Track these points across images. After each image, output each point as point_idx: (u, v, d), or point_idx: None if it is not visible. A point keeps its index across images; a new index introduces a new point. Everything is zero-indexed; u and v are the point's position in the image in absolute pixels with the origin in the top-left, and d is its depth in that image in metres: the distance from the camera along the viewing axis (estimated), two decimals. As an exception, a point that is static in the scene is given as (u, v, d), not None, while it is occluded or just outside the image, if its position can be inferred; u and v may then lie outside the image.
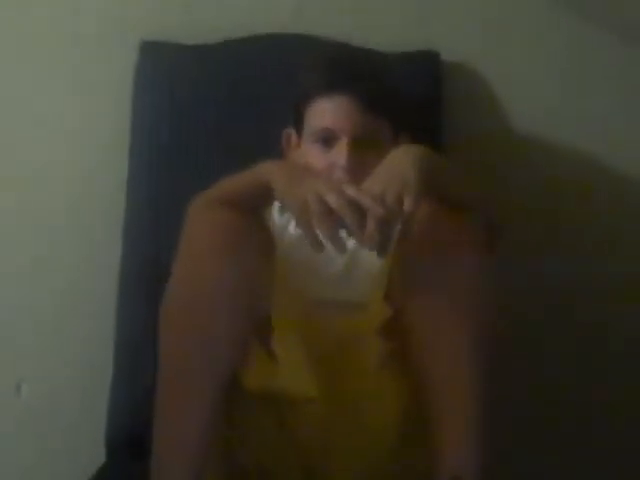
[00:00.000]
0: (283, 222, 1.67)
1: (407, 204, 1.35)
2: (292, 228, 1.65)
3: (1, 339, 1.93)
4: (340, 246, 1.34)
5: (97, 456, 1.72)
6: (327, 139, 1.63)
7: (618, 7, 1.95)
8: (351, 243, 1.41)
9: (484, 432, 1.42)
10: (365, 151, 1.61)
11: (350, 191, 1.36)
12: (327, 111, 1.63)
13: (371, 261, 1.57)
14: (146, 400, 1.46)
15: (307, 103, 1.66)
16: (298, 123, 1.69)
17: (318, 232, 1.36)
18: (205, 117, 1.81)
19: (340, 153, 1.60)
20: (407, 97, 1.76)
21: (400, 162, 1.44)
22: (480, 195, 1.58)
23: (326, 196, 1.35)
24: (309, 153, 1.65)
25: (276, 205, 1.63)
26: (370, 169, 1.50)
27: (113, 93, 1.89)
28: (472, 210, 1.52)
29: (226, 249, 1.44)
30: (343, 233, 1.35)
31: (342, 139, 1.61)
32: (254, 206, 1.50)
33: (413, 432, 1.51)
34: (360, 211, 1.34)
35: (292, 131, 1.72)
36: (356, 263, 1.62)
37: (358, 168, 1.58)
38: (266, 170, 1.51)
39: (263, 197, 1.49)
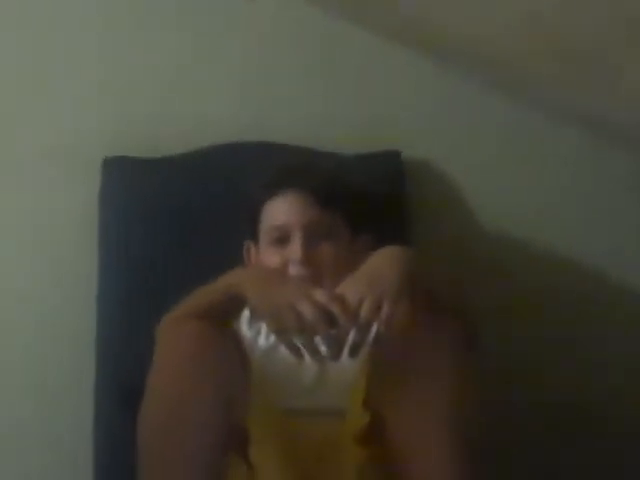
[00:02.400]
0: (253, 334, 1.67)
1: (385, 309, 1.36)
2: (262, 339, 1.65)
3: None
4: (316, 354, 1.37)
5: None
6: (281, 238, 1.65)
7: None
8: (323, 350, 1.41)
9: None
10: (320, 243, 1.64)
11: (322, 298, 1.38)
12: (276, 210, 1.67)
13: (344, 368, 1.56)
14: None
15: (258, 209, 1.70)
16: (254, 231, 1.71)
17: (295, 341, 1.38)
18: (171, 228, 1.83)
19: (294, 248, 1.63)
20: (364, 195, 1.78)
21: (380, 265, 1.45)
22: (462, 293, 1.59)
23: (298, 306, 1.36)
24: (266, 256, 1.67)
25: (245, 317, 1.63)
26: (327, 261, 1.59)
27: (79, 210, 1.90)
28: (453, 310, 1.52)
29: (199, 361, 1.44)
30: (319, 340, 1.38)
31: (294, 234, 1.63)
32: (225, 316, 1.51)
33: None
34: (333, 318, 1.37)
35: (250, 243, 1.73)
36: (329, 371, 1.61)
37: (314, 260, 1.62)
38: (236, 278, 1.51)
39: (235, 306, 1.49)
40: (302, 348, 1.38)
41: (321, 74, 1.99)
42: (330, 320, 1.37)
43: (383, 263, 1.45)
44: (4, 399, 1.90)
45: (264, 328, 1.66)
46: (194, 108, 1.96)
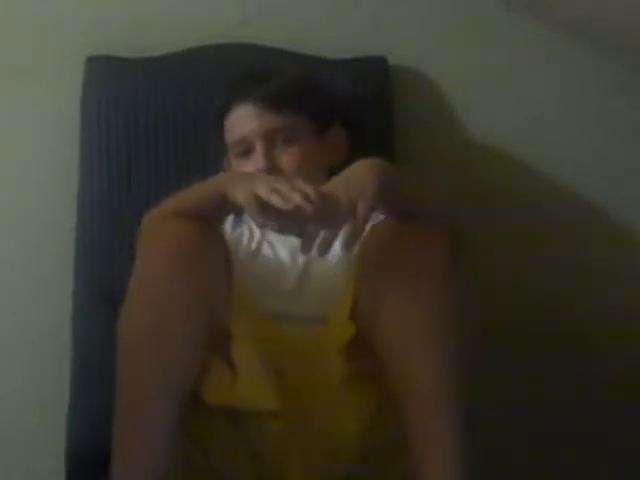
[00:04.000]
0: (236, 236, 1.67)
1: (360, 209, 1.36)
2: (245, 241, 1.65)
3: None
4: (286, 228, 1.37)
5: (57, 473, 1.69)
6: (245, 150, 1.68)
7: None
8: (302, 257, 1.43)
9: (465, 458, 1.40)
10: (284, 149, 1.66)
11: (301, 184, 1.38)
12: (235, 123, 1.69)
13: (324, 275, 1.58)
14: (104, 417, 1.44)
15: (221, 125, 1.71)
16: (223, 146, 1.72)
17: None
18: (154, 130, 1.82)
19: (257, 158, 1.65)
20: (331, 95, 1.77)
21: (358, 172, 1.46)
22: (442, 202, 1.59)
23: (277, 185, 1.37)
24: (236, 169, 1.69)
25: (229, 219, 1.62)
26: (293, 165, 1.63)
27: (61, 109, 1.88)
28: (434, 218, 1.52)
29: (181, 263, 1.43)
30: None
31: (256, 144, 1.66)
32: (210, 217, 1.50)
33: (374, 454, 1.49)
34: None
35: (226, 157, 1.74)
36: (309, 277, 1.61)
37: (279, 166, 1.64)
38: (221, 179, 1.52)
39: (219, 206, 1.48)
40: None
41: None
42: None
43: (359, 170, 1.46)
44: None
45: (247, 230, 1.67)
46: (180, 8, 1.93)
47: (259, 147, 1.66)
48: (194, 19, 1.92)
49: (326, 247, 1.37)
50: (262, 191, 1.36)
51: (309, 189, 1.37)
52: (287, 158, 1.66)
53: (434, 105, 1.96)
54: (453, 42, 1.97)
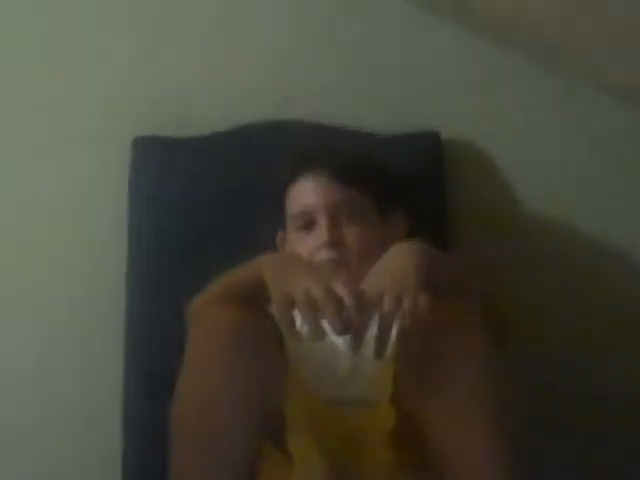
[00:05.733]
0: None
1: (406, 304, 1.33)
2: (299, 326, 1.60)
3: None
4: (319, 333, 1.33)
5: None
6: (307, 223, 1.63)
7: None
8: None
9: None
10: (347, 225, 1.61)
11: (338, 289, 1.35)
12: (299, 194, 1.64)
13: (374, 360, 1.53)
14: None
15: (282, 195, 1.67)
16: (281, 218, 1.69)
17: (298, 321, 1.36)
18: (205, 211, 1.79)
19: (320, 232, 1.60)
20: (394, 174, 1.74)
21: (399, 260, 1.43)
22: (487, 287, 1.56)
23: (313, 291, 1.34)
24: (295, 243, 1.65)
25: None
26: (356, 243, 1.58)
27: (109, 190, 1.87)
28: (482, 302, 1.48)
29: (234, 349, 1.41)
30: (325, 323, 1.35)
31: (320, 218, 1.61)
32: (255, 300, 1.46)
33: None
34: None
35: (282, 233, 1.71)
36: (361, 361, 1.57)
37: (342, 243, 1.59)
38: (260, 262, 1.48)
39: (261, 291, 1.44)
40: (304, 326, 1.36)
41: (362, 50, 1.93)
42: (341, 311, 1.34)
43: (400, 257, 1.44)
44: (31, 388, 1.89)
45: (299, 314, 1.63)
46: (226, 86, 1.91)
47: (323, 220, 1.61)
48: (239, 98, 1.90)
49: (382, 349, 1.34)
50: (297, 296, 1.34)
51: (347, 295, 1.34)
52: (351, 235, 1.61)
53: (488, 179, 1.92)
54: (506, 113, 1.94)
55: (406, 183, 1.77)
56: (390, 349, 1.36)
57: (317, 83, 1.91)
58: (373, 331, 1.34)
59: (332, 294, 1.33)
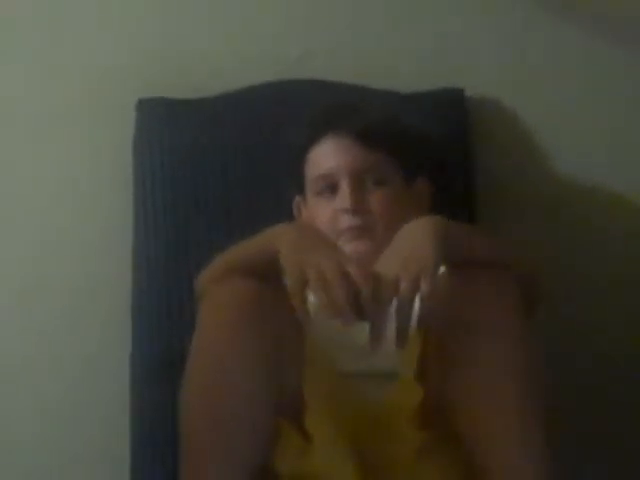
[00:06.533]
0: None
1: (424, 287, 1.28)
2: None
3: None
4: (346, 315, 1.28)
5: None
6: (328, 188, 1.56)
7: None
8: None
9: None
10: (371, 190, 1.55)
11: (354, 272, 1.29)
12: (320, 157, 1.57)
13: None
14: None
15: (301, 157, 1.60)
16: (300, 183, 1.62)
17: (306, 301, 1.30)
18: (211, 178, 1.71)
19: (342, 196, 1.53)
20: (421, 136, 1.67)
21: (415, 238, 1.37)
22: (511, 258, 1.49)
23: (324, 267, 1.29)
24: (314, 209, 1.58)
25: None
26: (381, 209, 1.51)
27: (113, 153, 1.80)
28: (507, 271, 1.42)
29: (247, 322, 1.36)
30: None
31: (342, 182, 1.54)
32: (269, 274, 1.40)
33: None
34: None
35: (300, 198, 1.64)
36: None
37: (366, 209, 1.53)
38: (275, 235, 1.42)
39: (275, 264, 1.37)
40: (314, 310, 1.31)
41: (382, 4, 1.85)
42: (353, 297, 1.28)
43: (415, 235, 1.38)
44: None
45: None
46: (234, 44, 1.83)
47: (346, 184, 1.53)
48: (249, 57, 1.83)
49: (404, 337, 1.29)
50: (310, 275, 1.29)
51: (362, 280, 1.28)
52: (376, 201, 1.54)
53: (515, 140, 1.85)
54: (534, 70, 1.86)
55: (431, 145, 1.70)
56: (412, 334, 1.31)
57: (334, 39, 1.84)
58: (392, 320, 1.30)
59: (345, 277, 1.28)
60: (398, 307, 1.28)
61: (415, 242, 1.35)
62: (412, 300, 1.28)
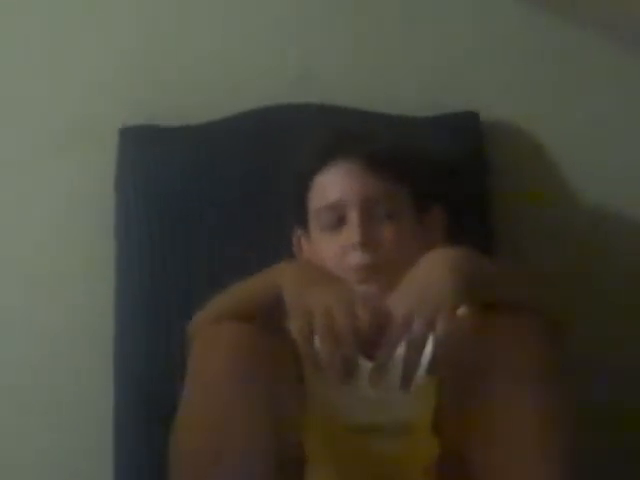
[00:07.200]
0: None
1: (440, 327, 1.21)
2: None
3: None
4: (345, 371, 1.21)
5: None
6: (334, 220, 1.47)
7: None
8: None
9: None
10: (382, 223, 1.47)
11: (364, 312, 1.27)
12: (327, 185, 1.49)
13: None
14: None
15: (305, 186, 1.51)
16: (301, 215, 1.53)
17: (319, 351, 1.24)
18: (200, 211, 1.63)
19: (351, 229, 1.45)
20: (434, 163, 1.61)
21: (433, 272, 1.29)
22: (535, 292, 1.42)
23: (334, 311, 1.23)
24: (318, 244, 1.50)
25: None
26: (391, 245, 1.44)
27: (96, 183, 1.73)
28: (529, 308, 1.35)
29: (242, 375, 1.28)
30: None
31: (351, 214, 1.45)
32: (269, 318, 1.34)
33: None
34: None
35: (301, 232, 1.56)
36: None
37: (376, 244, 1.45)
38: (276, 274, 1.36)
39: (278, 307, 1.32)
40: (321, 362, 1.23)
41: (390, 23, 1.78)
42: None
43: (433, 269, 1.30)
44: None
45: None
46: (231, 67, 1.76)
47: (355, 216, 1.44)
48: (241, 81, 1.76)
49: (409, 379, 1.21)
50: (317, 323, 1.22)
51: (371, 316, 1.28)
52: (387, 235, 1.45)
53: (532, 163, 1.80)
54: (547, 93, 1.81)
55: (447, 173, 1.63)
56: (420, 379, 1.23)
57: (333, 60, 1.77)
58: (399, 358, 1.22)
59: (354, 332, 1.22)
60: (407, 348, 1.20)
61: (432, 276, 1.28)
62: (424, 340, 1.21)
